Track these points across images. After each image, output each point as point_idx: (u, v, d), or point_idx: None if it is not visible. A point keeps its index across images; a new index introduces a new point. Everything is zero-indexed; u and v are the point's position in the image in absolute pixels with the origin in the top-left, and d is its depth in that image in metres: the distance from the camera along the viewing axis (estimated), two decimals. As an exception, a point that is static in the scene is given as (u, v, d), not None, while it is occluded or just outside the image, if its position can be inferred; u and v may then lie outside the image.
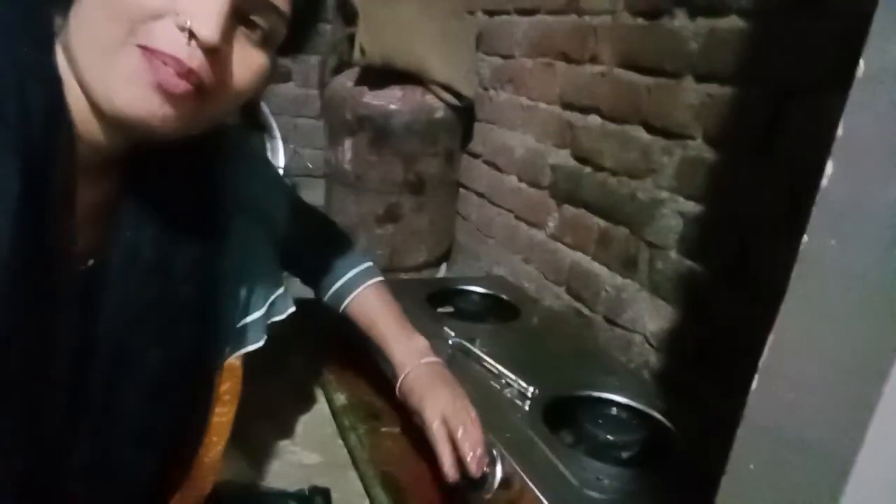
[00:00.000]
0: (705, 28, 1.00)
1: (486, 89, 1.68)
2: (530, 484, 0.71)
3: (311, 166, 1.52)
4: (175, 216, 0.60)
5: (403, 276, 1.65)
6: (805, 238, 0.30)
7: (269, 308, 0.73)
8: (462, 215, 1.83)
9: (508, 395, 0.89)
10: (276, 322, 0.76)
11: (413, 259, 1.71)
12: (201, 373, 0.67)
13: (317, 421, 1.13)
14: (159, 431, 0.62)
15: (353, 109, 1.51)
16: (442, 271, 1.84)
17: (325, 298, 0.94)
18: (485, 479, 0.74)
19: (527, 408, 0.86)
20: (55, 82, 0.50)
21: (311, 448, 1.06)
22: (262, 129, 1.87)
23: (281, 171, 1.50)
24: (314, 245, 0.94)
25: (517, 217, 1.56)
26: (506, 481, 0.74)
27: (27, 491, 0.53)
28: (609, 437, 0.81)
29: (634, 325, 1.15)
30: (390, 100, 1.50)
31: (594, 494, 0.71)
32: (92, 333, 0.57)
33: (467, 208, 1.80)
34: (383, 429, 0.98)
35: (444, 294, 1.23)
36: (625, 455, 0.81)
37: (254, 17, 0.51)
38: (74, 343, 0.55)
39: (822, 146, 0.29)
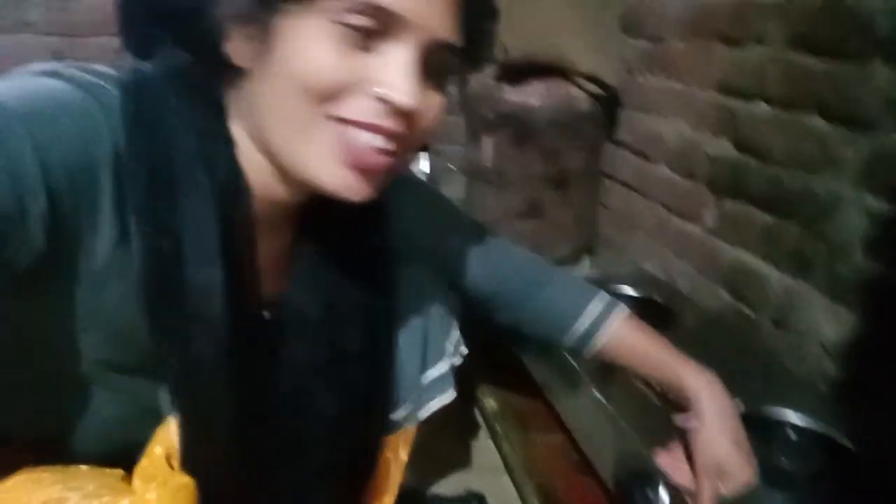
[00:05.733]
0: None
1: (631, 74, 1.59)
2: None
3: (452, 167, 1.53)
4: (344, 265, 0.62)
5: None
6: None
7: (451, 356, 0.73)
8: (605, 206, 1.77)
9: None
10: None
11: (555, 253, 1.68)
12: (378, 419, 0.68)
13: (466, 422, 1.15)
14: (341, 468, 0.65)
15: (493, 106, 1.49)
16: (585, 265, 1.79)
17: (570, 344, 0.82)
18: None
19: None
20: (232, 147, 0.52)
21: (462, 450, 1.09)
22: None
23: (425, 176, 1.52)
24: (534, 289, 0.82)
25: (668, 209, 1.48)
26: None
27: None
28: (790, 465, 0.76)
29: (808, 331, 1.05)
30: (532, 95, 1.47)
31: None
32: (274, 380, 0.60)
33: (611, 199, 1.74)
34: (537, 438, 0.98)
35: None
36: (808, 487, 0.75)
37: (432, 64, 0.49)
38: (265, 389, 0.58)
39: None
